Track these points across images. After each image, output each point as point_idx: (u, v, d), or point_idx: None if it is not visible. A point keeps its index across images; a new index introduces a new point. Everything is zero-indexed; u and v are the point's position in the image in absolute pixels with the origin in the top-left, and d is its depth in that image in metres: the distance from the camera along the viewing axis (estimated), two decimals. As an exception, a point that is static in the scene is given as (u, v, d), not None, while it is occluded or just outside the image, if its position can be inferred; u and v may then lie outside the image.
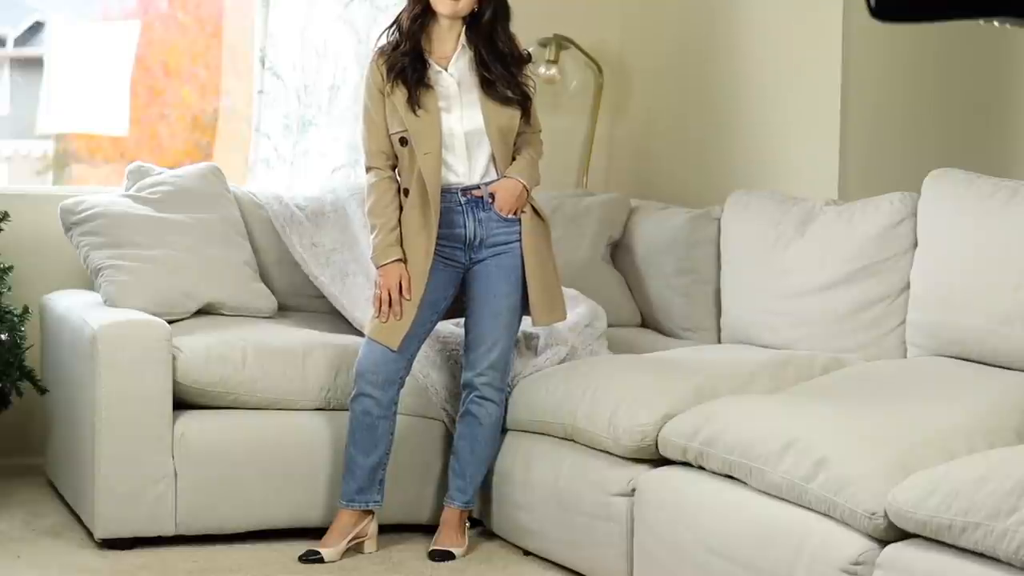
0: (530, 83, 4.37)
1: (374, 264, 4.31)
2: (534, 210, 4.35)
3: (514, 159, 4.35)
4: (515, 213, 4.31)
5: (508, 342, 4.35)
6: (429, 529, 4.49)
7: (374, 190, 4.31)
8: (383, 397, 4.29)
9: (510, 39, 4.34)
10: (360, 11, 5.35)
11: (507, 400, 4.47)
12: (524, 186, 4.30)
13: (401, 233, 4.28)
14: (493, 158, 4.31)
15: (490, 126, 4.27)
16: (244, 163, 5.47)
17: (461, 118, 4.28)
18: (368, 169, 4.35)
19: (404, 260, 4.26)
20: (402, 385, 4.33)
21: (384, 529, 4.50)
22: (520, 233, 4.32)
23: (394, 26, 4.34)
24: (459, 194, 4.30)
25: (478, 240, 4.31)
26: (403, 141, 4.27)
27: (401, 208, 4.30)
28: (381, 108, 4.29)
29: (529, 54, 4.42)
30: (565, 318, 4.44)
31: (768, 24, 5.28)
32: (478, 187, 4.30)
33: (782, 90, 5.20)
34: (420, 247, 4.26)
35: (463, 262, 4.34)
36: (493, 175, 4.32)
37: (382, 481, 4.35)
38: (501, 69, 4.29)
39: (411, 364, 4.36)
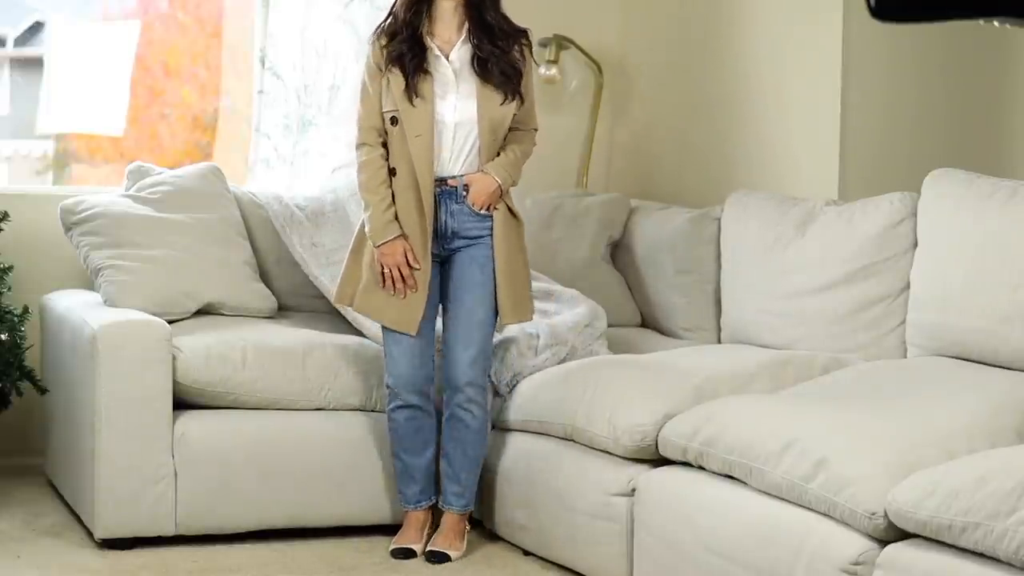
0: (519, 58, 4.27)
1: (373, 243, 4.25)
2: (508, 209, 4.31)
3: (499, 154, 4.32)
4: (488, 209, 4.28)
5: (485, 336, 4.30)
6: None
7: (366, 167, 4.27)
8: (423, 401, 4.33)
9: (499, 13, 4.29)
10: (360, 11, 5.35)
11: (493, 395, 4.45)
12: (499, 184, 4.27)
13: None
14: (479, 151, 4.28)
15: (482, 118, 4.23)
16: (244, 163, 5.48)
17: (455, 107, 4.24)
18: (360, 145, 4.30)
19: (404, 236, 4.23)
20: (433, 378, 4.35)
21: (383, 529, 4.50)
22: (491, 229, 4.29)
23: (390, 17, 4.30)
24: (435, 183, 4.26)
25: (450, 232, 4.28)
26: (394, 120, 4.24)
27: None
28: (378, 85, 4.26)
29: (526, 31, 4.34)
30: (531, 318, 4.39)
31: (768, 24, 5.28)
32: (454, 177, 4.27)
33: (782, 90, 5.20)
34: (416, 225, 4.23)
35: (436, 253, 4.30)
36: (475, 168, 4.28)
37: (435, 475, 4.41)
38: (489, 45, 4.24)
39: (434, 359, 4.35)
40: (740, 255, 4.78)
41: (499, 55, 4.24)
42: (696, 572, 3.67)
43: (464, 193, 4.26)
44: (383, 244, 4.22)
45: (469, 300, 4.28)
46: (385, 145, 4.28)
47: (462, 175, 4.26)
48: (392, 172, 4.26)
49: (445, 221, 4.27)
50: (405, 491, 4.41)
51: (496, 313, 4.33)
